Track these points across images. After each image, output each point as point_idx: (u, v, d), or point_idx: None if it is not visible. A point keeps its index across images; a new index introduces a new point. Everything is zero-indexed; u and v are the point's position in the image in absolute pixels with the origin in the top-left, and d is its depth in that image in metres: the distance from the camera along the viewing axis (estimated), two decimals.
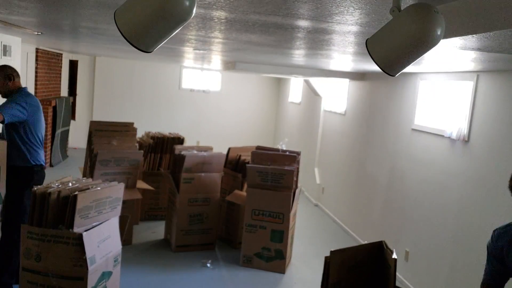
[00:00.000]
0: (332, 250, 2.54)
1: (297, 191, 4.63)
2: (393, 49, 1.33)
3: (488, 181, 3.51)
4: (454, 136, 3.94)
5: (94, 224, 2.85)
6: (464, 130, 3.83)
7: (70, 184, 2.88)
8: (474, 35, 1.56)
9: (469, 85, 3.89)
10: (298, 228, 5.20)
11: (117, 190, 3.04)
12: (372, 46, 1.36)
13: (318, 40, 2.83)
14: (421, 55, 1.33)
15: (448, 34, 1.48)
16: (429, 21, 1.25)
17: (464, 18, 1.49)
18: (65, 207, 2.73)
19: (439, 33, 1.26)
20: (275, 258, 4.51)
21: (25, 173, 3.44)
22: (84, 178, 3.48)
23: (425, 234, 4.27)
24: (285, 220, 4.45)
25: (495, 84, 3.58)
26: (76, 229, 2.69)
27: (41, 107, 3.61)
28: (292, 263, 4.78)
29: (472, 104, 3.78)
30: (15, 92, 3.51)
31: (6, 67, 3.58)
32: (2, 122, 3.29)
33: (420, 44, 1.28)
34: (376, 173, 5.42)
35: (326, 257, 2.56)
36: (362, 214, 5.71)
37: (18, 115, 3.35)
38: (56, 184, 2.87)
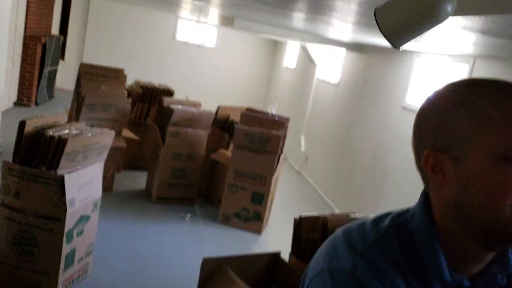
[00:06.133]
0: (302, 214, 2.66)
1: (281, 156, 4.64)
2: (402, 20, 1.30)
3: None
4: None
5: (78, 167, 2.83)
6: None
7: (67, 131, 2.82)
8: (481, 16, 1.53)
9: (465, 68, 3.89)
10: (278, 193, 5.25)
11: (107, 138, 3.01)
12: (380, 15, 1.33)
13: (321, 4, 2.77)
14: (429, 29, 1.31)
15: (455, 12, 1.45)
16: None
17: None
18: (52, 148, 2.70)
19: (449, 9, 1.24)
20: (253, 219, 4.57)
21: None
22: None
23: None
24: (267, 183, 4.48)
25: (490, 70, 3.58)
26: (60, 171, 2.67)
27: None
28: (269, 225, 4.86)
29: None
30: None
31: None
32: None
33: (429, 17, 1.26)
34: (361, 147, 5.46)
35: (295, 219, 2.68)
36: (342, 186, 5.79)
37: None
38: (67, 130, 2.81)
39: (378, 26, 1.32)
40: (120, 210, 4.47)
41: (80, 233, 2.91)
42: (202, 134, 4.87)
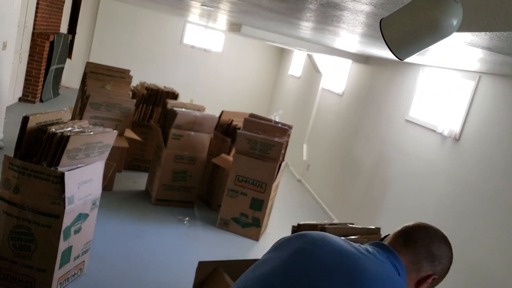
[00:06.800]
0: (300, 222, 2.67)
1: (283, 164, 4.64)
2: (407, 32, 1.31)
3: (471, 182, 3.55)
4: (445, 133, 3.95)
5: (79, 165, 2.84)
6: (457, 128, 3.84)
7: (70, 128, 2.83)
8: (487, 33, 1.53)
9: (470, 84, 3.88)
10: (278, 200, 5.25)
11: (109, 137, 3.01)
12: (386, 26, 1.34)
13: (329, 14, 2.78)
14: (433, 43, 1.31)
15: (461, 27, 1.46)
16: (447, 9, 1.23)
17: (481, 14, 1.46)
18: (54, 145, 2.70)
19: (455, 23, 1.24)
20: (251, 225, 4.56)
21: None
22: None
23: (401, 224, 4.33)
24: (267, 190, 4.48)
25: (495, 87, 3.58)
26: (60, 168, 2.68)
27: None
28: (267, 232, 4.85)
29: (469, 104, 3.78)
30: None
31: None
32: None
33: (434, 31, 1.26)
34: (363, 158, 5.45)
35: (293, 226, 2.67)
36: (342, 196, 5.77)
37: None
38: (70, 128, 2.82)
39: (383, 37, 1.33)
40: (119, 210, 4.47)
41: (77, 231, 2.91)
42: (205, 138, 4.88)
